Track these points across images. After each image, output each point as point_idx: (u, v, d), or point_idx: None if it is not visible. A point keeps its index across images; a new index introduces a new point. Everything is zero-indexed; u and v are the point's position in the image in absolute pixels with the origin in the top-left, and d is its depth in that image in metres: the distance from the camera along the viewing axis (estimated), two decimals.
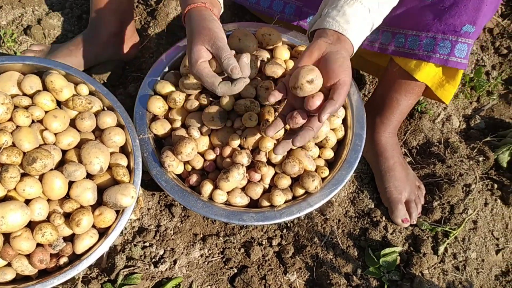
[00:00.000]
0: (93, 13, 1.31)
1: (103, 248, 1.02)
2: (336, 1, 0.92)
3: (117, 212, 1.05)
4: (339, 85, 0.86)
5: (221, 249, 1.22)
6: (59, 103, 1.08)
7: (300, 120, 0.90)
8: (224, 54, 0.88)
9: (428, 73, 1.14)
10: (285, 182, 1.10)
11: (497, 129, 1.48)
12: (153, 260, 1.18)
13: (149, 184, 1.25)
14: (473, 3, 1.01)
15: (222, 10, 1.02)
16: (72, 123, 1.08)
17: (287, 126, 0.95)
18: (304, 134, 0.88)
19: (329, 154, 1.17)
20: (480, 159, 1.38)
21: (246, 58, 0.91)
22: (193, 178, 1.13)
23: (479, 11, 1.01)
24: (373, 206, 1.31)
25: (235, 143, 1.10)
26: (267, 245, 1.24)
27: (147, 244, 1.19)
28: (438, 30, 1.06)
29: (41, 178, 0.98)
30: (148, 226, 1.21)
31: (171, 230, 1.21)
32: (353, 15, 0.90)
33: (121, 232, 1.20)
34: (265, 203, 1.11)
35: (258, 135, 1.10)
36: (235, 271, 1.21)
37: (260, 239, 1.24)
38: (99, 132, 1.10)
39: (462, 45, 1.06)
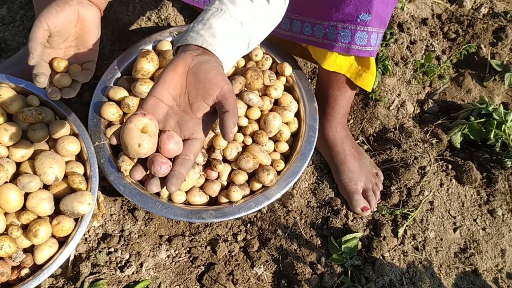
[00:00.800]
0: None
1: (64, 256, 1.03)
2: (203, 14, 0.83)
3: (76, 220, 1.06)
4: (225, 94, 0.72)
5: (188, 249, 1.24)
6: (10, 116, 1.08)
7: (163, 168, 0.70)
8: None
9: (336, 62, 1.16)
10: (242, 177, 1.12)
11: (450, 112, 1.53)
12: (119, 265, 1.18)
13: (110, 190, 1.25)
14: None
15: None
16: (25, 135, 1.08)
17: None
18: (180, 168, 0.70)
19: (284, 147, 1.20)
20: (434, 141, 1.42)
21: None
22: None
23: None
24: (333, 196, 1.34)
25: None
26: (232, 241, 1.26)
27: (112, 249, 1.20)
28: (337, 19, 1.09)
29: None
30: (112, 231, 1.22)
31: (135, 234, 1.22)
32: (220, 28, 0.79)
33: (85, 240, 1.20)
34: (224, 199, 1.13)
35: (212, 134, 1.12)
36: (203, 269, 1.22)
37: (225, 236, 1.26)
38: (53, 142, 1.10)
39: (361, 33, 1.08)
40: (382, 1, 1.06)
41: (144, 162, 0.73)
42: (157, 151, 0.72)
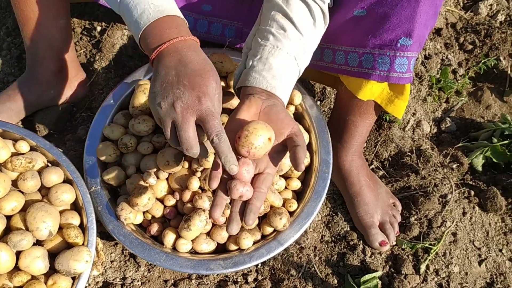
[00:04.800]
0: (27, 52, 1.21)
1: None
2: (259, 51, 0.88)
3: (74, 277, 0.97)
4: (296, 132, 0.81)
5: None
6: None
7: (245, 189, 0.76)
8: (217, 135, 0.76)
9: (372, 91, 1.07)
10: None
11: (469, 130, 1.43)
12: None
13: (109, 234, 1.17)
14: (405, 15, 0.93)
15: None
16: (15, 184, 0.99)
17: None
18: (257, 202, 0.77)
19: (296, 184, 1.11)
20: (454, 166, 1.33)
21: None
22: (154, 228, 1.05)
23: (414, 21, 0.93)
24: (348, 229, 1.25)
25: (195, 186, 1.03)
26: (242, 282, 1.18)
27: None
28: (374, 45, 0.98)
29: None
30: (113, 280, 1.14)
31: (138, 281, 1.14)
32: (279, 67, 0.86)
33: None
34: (233, 246, 1.05)
35: None
36: None
37: (235, 277, 1.18)
38: (45, 191, 1.02)
39: (401, 59, 0.98)
40: (424, 24, 0.95)
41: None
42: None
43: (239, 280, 1.18)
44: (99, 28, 1.42)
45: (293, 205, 1.08)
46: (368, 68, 1.00)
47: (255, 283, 1.18)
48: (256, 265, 1.19)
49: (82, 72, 1.32)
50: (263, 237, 1.07)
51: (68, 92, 1.29)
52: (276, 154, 0.81)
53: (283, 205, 1.08)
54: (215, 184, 0.76)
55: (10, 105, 1.22)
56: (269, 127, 0.77)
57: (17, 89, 1.25)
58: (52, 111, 1.28)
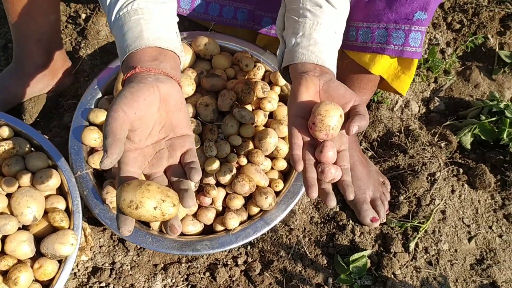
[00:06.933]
0: (15, 44, 1.20)
1: None
2: (300, 28, 0.86)
3: (60, 261, 0.97)
4: (358, 104, 0.79)
5: (185, 276, 1.16)
6: None
7: (337, 172, 0.75)
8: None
9: (383, 66, 1.08)
10: (238, 202, 1.04)
11: (457, 109, 1.43)
12: None
13: (97, 220, 1.17)
14: None
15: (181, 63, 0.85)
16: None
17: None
18: (347, 177, 0.77)
19: (282, 164, 1.11)
20: (443, 144, 1.33)
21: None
22: None
23: None
24: (338, 210, 1.25)
25: None
26: (232, 265, 1.18)
27: (103, 284, 1.12)
28: (389, 20, 0.99)
29: None
30: (102, 264, 1.14)
31: (127, 265, 1.14)
32: (324, 41, 0.85)
33: (74, 275, 1.12)
34: (220, 227, 1.05)
35: (203, 157, 1.03)
36: None
37: (224, 260, 1.18)
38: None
39: (415, 34, 1.00)
40: None
41: None
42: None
43: (229, 262, 1.18)
44: (83, 16, 1.41)
45: (279, 185, 1.08)
46: (382, 43, 1.01)
47: (245, 265, 1.18)
48: (246, 248, 1.19)
49: (68, 61, 1.32)
50: (250, 217, 1.07)
51: (54, 81, 1.29)
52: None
53: (269, 185, 1.08)
54: (300, 167, 0.74)
55: None
56: (337, 105, 0.77)
57: (4, 80, 1.25)
58: (38, 99, 1.28)
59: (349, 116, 0.79)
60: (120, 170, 0.69)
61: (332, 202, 0.73)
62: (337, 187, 0.78)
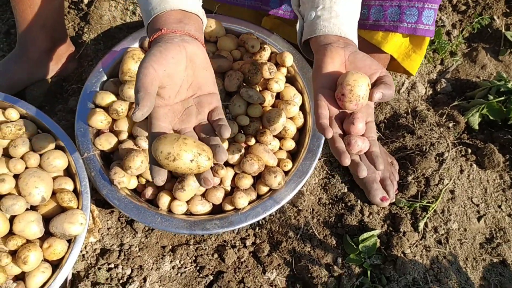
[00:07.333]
0: (19, 30, 1.20)
1: (59, 281, 0.94)
2: (319, 2, 0.85)
3: (69, 240, 0.97)
4: (385, 75, 0.79)
5: (193, 258, 1.15)
6: None
7: (364, 144, 0.76)
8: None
9: (395, 44, 1.07)
10: (247, 182, 1.03)
11: (464, 90, 1.42)
12: (121, 281, 1.10)
13: (105, 202, 1.16)
14: None
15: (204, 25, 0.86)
16: (6, 151, 0.99)
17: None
18: (375, 148, 0.77)
19: (290, 144, 1.10)
20: (451, 124, 1.32)
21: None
22: (148, 192, 1.05)
23: None
24: (346, 190, 1.25)
25: None
26: (241, 246, 1.17)
27: (112, 265, 1.11)
28: None
29: None
30: (111, 246, 1.13)
31: (135, 247, 1.14)
32: (345, 15, 0.85)
33: (82, 256, 1.12)
34: (229, 207, 1.04)
35: None
36: (211, 278, 1.14)
37: (233, 241, 1.18)
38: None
39: (429, 11, 1.00)
40: None
41: None
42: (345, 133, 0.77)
43: (237, 244, 1.17)
44: (86, 1, 1.40)
45: (288, 165, 1.07)
46: (395, 21, 1.01)
47: (254, 246, 1.18)
48: (254, 229, 1.19)
49: (72, 46, 1.31)
50: (259, 197, 1.07)
51: (58, 66, 1.29)
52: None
53: (278, 165, 1.07)
54: (330, 133, 0.74)
55: (0, 82, 1.21)
56: (364, 74, 0.77)
57: (7, 66, 1.24)
58: (42, 84, 1.27)
59: (375, 85, 0.79)
60: (152, 125, 0.72)
61: (364, 172, 0.74)
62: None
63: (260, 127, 1.08)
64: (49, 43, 1.23)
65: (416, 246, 1.16)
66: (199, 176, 0.71)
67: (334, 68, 0.80)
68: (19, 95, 1.28)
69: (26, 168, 0.97)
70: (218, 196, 1.03)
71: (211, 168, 0.78)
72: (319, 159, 1.28)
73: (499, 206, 1.24)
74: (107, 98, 1.07)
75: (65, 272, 0.95)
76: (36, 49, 1.22)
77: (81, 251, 1.10)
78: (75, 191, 1.01)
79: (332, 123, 0.78)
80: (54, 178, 1.00)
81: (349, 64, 0.81)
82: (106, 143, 1.05)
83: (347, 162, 0.72)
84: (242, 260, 1.15)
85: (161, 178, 0.69)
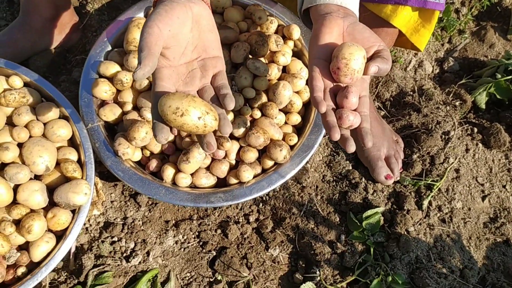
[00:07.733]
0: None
1: (63, 251, 0.94)
2: None
3: (73, 211, 0.96)
4: (383, 49, 0.77)
5: (197, 233, 1.15)
6: None
7: (355, 119, 0.73)
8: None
9: (404, 18, 1.05)
10: (252, 155, 1.02)
11: (472, 69, 1.40)
12: (124, 254, 1.10)
13: (109, 175, 1.16)
14: None
15: None
16: (10, 120, 0.98)
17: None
18: (366, 124, 0.74)
19: (296, 119, 1.09)
20: (457, 103, 1.31)
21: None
22: (153, 164, 1.04)
23: None
24: (350, 168, 1.24)
25: None
26: (244, 222, 1.17)
27: (115, 238, 1.11)
28: None
29: None
30: (114, 219, 1.13)
31: (139, 220, 1.13)
32: None
33: (86, 229, 1.11)
34: (233, 180, 1.03)
35: None
36: (214, 253, 1.14)
37: (236, 217, 1.17)
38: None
39: None
40: None
41: None
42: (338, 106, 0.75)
43: (240, 220, 1.17)
44: None
45: (294, 139, 1.06)
46: None
47: (257, 222, 1.17)
48: (257, 205, 1.18)
49: (75, 16, 1.29)
50: (264, 171, 1.06)
51: (62, 36, 1.27)
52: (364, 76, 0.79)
53: (283, 139, 1.06)
54: (324, 107, 0.72)
55: (4, 51, 1.19)
56: (360, 46, 0.75)
57: (11, 34, 1.22)
58: (46, 55, 1.26)
59: (371, 59, 0.77)
60: (156, 85, 0.71)
61: (352, 147, 0.71)
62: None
63: (266, 100, 1.07)
64: (53, 12, 1.21)
65: (420, 224, 1.16)
66: (202, 141, 0.70)
67: (331, 39, 0.78)
68: (23, 65, 1.26)
69: (30, 137, 0.96)
70: (223, 170, 1.03)
71: (218, 140, 0.78)
72: (324, 136, 1.27)
73: (504, 186, 1.24)
74: (111, 68, 1.06)
75: (69, 242, 0.94)
76: (40, 18, 1.20)
77: (84, 224, 1.10)
78: (79, 161, 1.00)
79: (326, 95, 0.76)
80: (58, 148, 0.99)
81: (347, 36, 0.78)
82: (111, 113, 1.04)
83: (336, 137, 0.70)
84: (245, 236, 1.15)
85: (164, 136, 0.67)
